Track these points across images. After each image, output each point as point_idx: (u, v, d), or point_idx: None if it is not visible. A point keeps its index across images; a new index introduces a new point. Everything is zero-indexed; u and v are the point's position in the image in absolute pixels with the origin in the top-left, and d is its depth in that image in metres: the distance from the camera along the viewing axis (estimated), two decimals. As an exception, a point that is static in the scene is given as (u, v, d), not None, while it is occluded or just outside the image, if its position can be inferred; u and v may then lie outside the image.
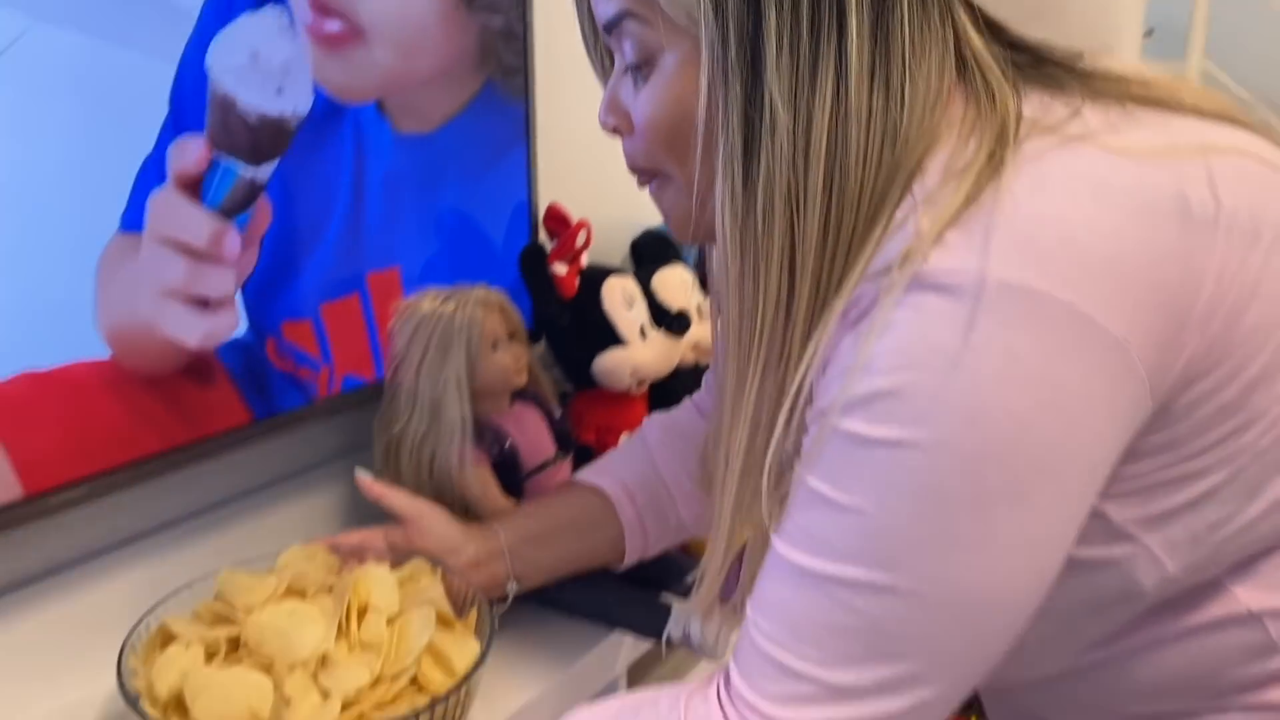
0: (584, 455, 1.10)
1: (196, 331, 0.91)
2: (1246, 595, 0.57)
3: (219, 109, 0.89)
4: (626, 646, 0.97)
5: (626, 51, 0.59)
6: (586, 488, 0.91)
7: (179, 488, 0.95)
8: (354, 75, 1.00)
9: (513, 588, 0.87)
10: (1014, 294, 0.47)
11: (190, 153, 0.87)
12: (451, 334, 0.95)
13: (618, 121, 0.63)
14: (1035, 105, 0.54)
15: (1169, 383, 0.50)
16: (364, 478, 0.90)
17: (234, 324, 0.95)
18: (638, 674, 1.03)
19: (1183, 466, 0.52)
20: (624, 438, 1.11)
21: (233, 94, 0.89)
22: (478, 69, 1.11)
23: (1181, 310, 0.49)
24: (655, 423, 0.94)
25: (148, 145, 0.86)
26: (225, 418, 0.95)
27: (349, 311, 1.06)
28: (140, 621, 0.78)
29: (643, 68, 0.59)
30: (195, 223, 0.89)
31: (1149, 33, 2.85)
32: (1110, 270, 0.47)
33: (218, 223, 0.91)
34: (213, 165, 0.89)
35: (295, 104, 0.95)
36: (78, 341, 0.83)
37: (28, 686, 0.83)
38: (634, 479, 0.90)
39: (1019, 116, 0.53)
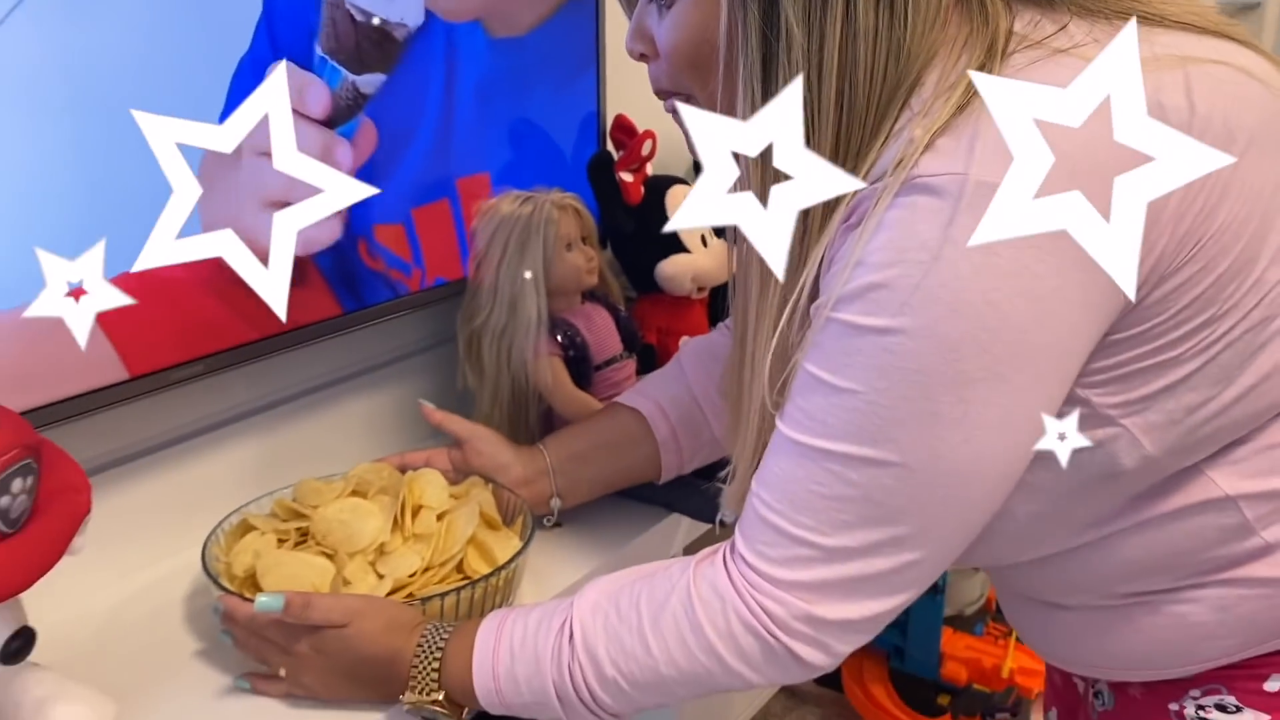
0: (647, 354, 1.18)
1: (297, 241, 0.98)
2: (1223, 480, 0.61)
3: (329, 7, 0.94)
4: (683, 529, 1.05)
5: None
6: (624, 409, 0.95)
7: (277, 370, 1.04)
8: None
9: (556, 504, 0.95)
10: (994, 193, 0.51)
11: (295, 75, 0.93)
12: (529, 234, 1.02)
13: (644, 48, 0.67)
14: (1025, 21, 0.57)
15: (1140, 276, 0.53)
16: (426, 406, 0.98)
17: (335, 233, 1.01)
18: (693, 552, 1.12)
19: (1160, 356, 0.56)
20: (684, 340, 1.19)
21: None
22: None
23: (1154, 208, 0.53)
24: (690, 346, 1.00)
25: (243, 45, 0.89)
26: (317, 310, 1.02)
27: (439, 216, 1.11)
28: (224, 519, 0.87)
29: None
30: (303, 136, 0.95)
31: None
32: (1084, 171, 0.50)
33: (326, 136, 0.96)
34: (319, 66, 0.94)
35: (404, 15, 0.99)
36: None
37: (138, 550, 0.93)
38: (668, 399, 0.95)
39: (1009, 32, 0.56)
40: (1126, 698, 0.73)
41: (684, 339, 1.04)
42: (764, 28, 0.57)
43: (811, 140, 0.57)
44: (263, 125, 0.95)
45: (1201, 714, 0.67)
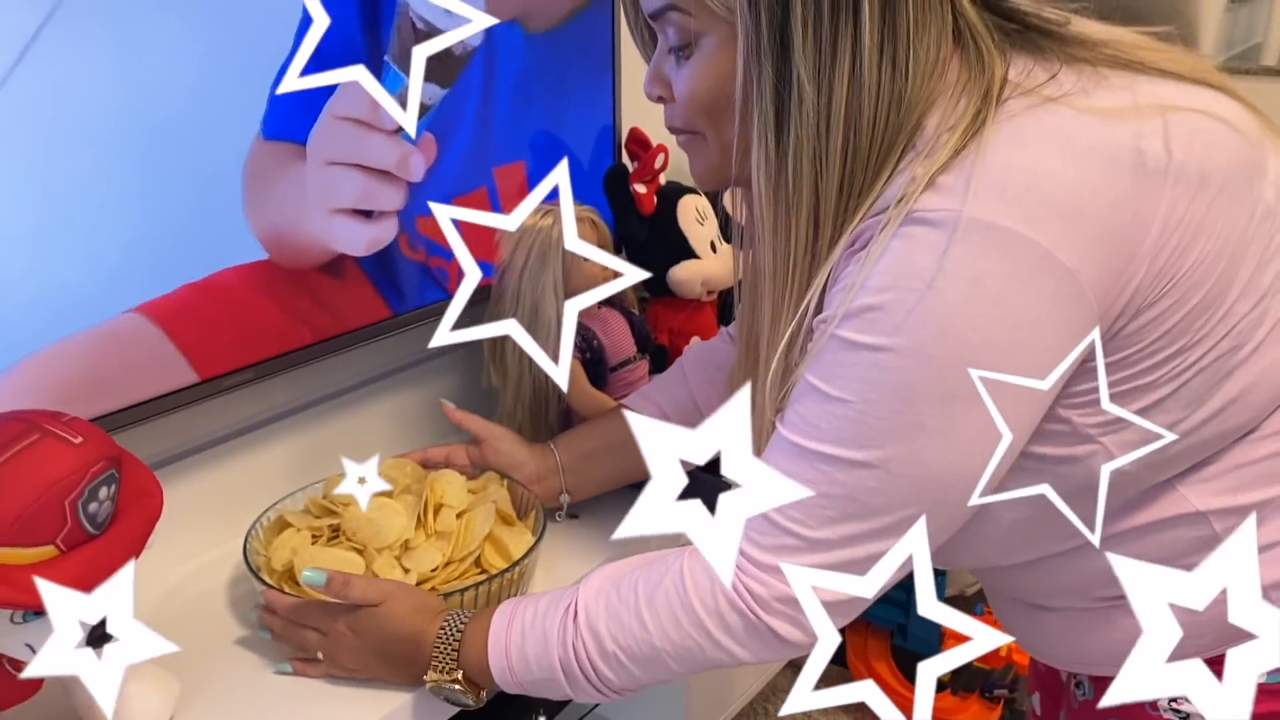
0: (660, 355, 1.25)
1: (362, 241, 1.04)
2: (1194, 497, 0.66)
3: (398, 17, 1.01)
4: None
5: (670, 35, 0.68)
6: (629, 412, 1.03)
7: (318, 371, 1.12)
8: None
9: (565, 499, 1.03)
10: (984, 229, 0.56)
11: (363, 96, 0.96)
12: (549, 245, 1.10)
13: (661, 92, 0.72)
14: (1019, 69, 0.62)
15: (1118, 308, 0.59)
16: (447, 405, 1.05)
17: (394, 230, 1.08)
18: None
19: (1134, 381, 0.62)
20: (689, 345, 1.26)
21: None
22: None
23: (1130, 247, 0.58)
24: (692, 353, 1.05)
25: (282, 51, 0.93)
26: (367, 313, 1.09)
27: (479, 205, 1.17)
28: (262, 515, 0.95)
29: (684, 49, 0.68)
30: (381, 147, 1.01)
31: None
32: (1068, 213, 0.56)
33: (402, 147, 1.02)
34: (384, 68, 1.01)
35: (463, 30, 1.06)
36: (225, 247, 0.94)
37: (186, 540, 1.01)
38: (671, 404, 1.01)
39: (1004, 80, 0.61)
40: (1105, 688, 0.79)
41: (691, 341, 1.11)
42: (777, 83, 0.62)
43: (821, 180, 0.62)
44: (330, 129, 0.98)
45: (1174, 705, 0.72)
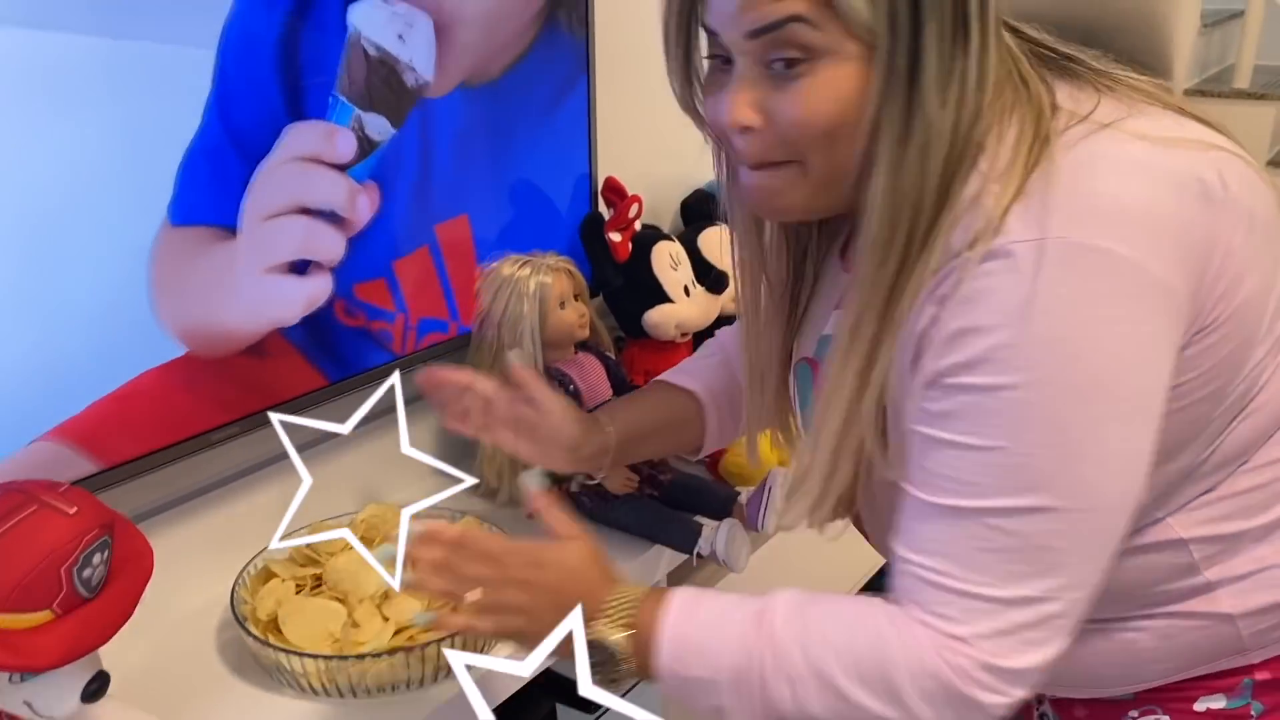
0: (634, 395, 1.30)
1: (299, 300, 1.01)
2: (1178, 525, 0.69)
3: (351, 48, 1.00)
4: (665, 559, 1.17)
5: (777, 53, 0.61)
6: (680, 390, 0.97)
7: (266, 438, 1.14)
8: (444, 73, 1.11)
9: (599, 476, 0.99)
10: (1079, 251, 0.57)
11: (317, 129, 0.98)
12: (526, 294, 1.14)
13: (759, 120, 0.64)
14: (1064, 95, 0.64)
15: (1191, 331, 0.61)
16: (516, 365, 0.94)
17: (329, 287, 1.05)
18: (675, 581, 1.24)
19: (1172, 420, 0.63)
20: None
21: (358, 28, 1.00)
22: (539, 15, 1.19)
23: (1200, 270, 0.60)
24: (729, 333, 1.01)
25: (187, 133, 0.89)
26: (299, 383, 1.06)
27: (421, 263, 1.17)
28: (249, 563, 0.99)
29: (793, 68, 0.62)
30: (330, 183, 1.00)
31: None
32: (1153, 229, 0.58)
33: (349, 184, 1.01)
34: (331, 102, 1.00)
35: (414, 58, 1.04)
36: (138, 349, 0.90)
37: (173, 588, 1.04)
38: (719, 385, 0.97)
39: (1053, 105, 0.62)
40: (1071, 717, 0.83)
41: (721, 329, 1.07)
42: (908, 104, 0.60)
43: (921, 205, 0.62)
44: (273, 178, 0.96)
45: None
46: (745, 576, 1.17)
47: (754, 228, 0.77)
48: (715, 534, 1.11)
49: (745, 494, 1.18)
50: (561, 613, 0.70)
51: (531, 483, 0.85)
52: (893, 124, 0.61)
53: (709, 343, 1.03)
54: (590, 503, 1.16)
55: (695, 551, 1.11)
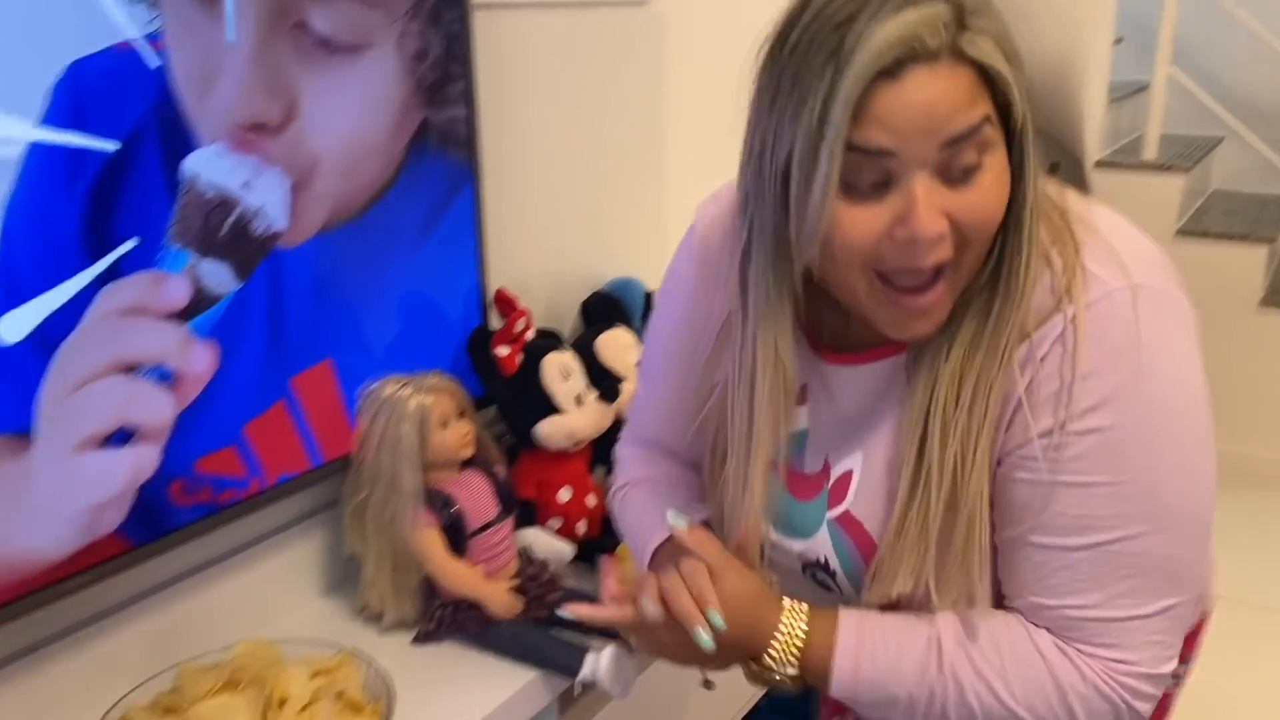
0: (526, 510, 1.28)
1: (119, 474, 0.92)
2: None
3: (187, 193, 0.94)
4: (550, 684, 1.14)
5: (965, 157, 0.63)
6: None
7: (172, 558, 1.12)
8: (300, 222, 1.06)
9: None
10: (1154, 294, 0.67)
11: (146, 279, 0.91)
12: (406, 416, 1.13)
13: (944, 226, 0.64)
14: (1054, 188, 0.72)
15: None
16: (678, 528, 0.82)
17: (156, 458, 0.96)
18: (565, 704, 1.22)
19: None
20: (564, 490, 1.29)
21: (196, 172, 0.95)
22: (407, 146, 1.16)
23: None
24: (671, 472, 0.95)
25: None
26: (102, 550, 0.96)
27: (276, 420, 1.11)
28: (108, 711, 0.95)
29: (974, 169, 0.63)
30: (155, 334, 0.92)
31: (1118, 40, 2.95)
32: (1176, 278, 0.70)
33: (182, 332, 0.94)
34: (162, 249, 0.94)
35: (265, 205, 1.00)
36: None
37: None
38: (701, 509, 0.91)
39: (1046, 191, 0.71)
40: None
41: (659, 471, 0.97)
42: (1025, 174, 0.67)
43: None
44: (81, 341, 0.87)
45: None
46: (631, 702, 1.15)
47: (777, 343, 0.73)
48: (598, 660, 1.09)
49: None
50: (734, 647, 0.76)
51: (678, 521, 0.81)
52: (1033, 213, 0.67)
53: (656, 474, 0.95)
54: (474, 625, 1.14)
55: (579, 680, 1.09)
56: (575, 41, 1.51)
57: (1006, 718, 0.72)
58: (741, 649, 0.77)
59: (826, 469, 0.81)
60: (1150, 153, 2.92)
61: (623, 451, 1.00)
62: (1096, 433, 0.66)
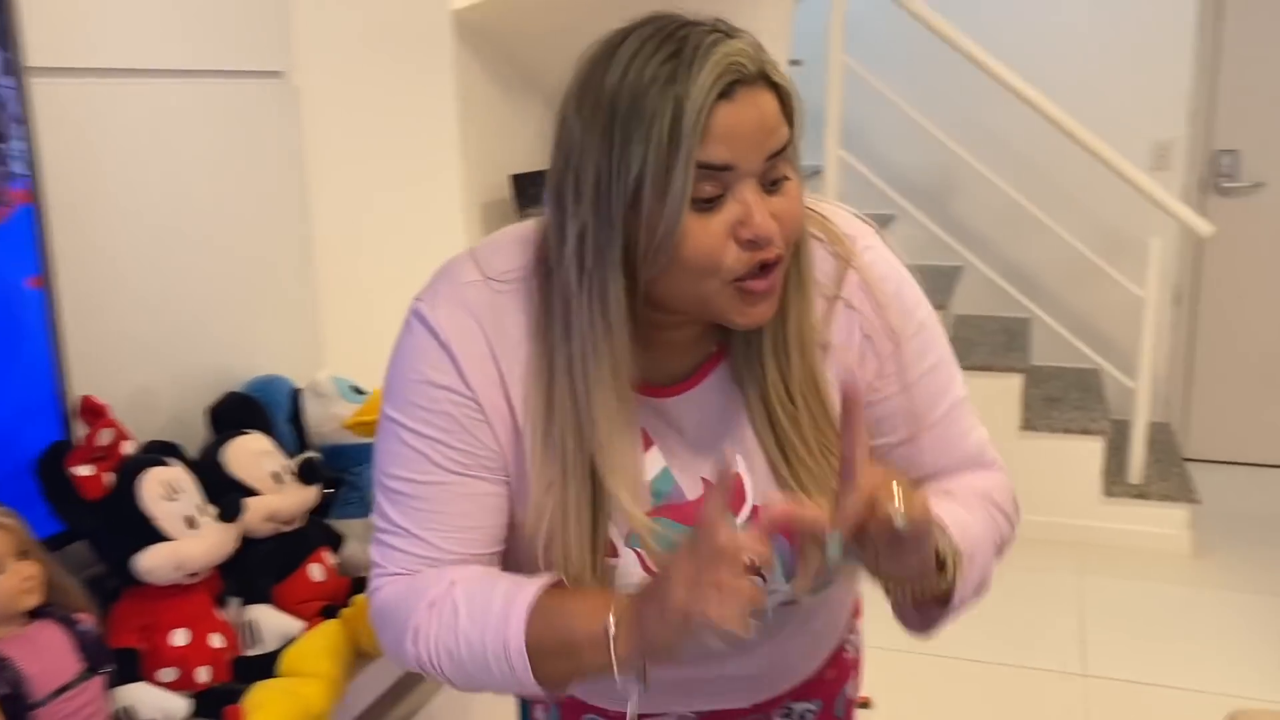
0: (127, 661, 1.06)
1: None
2: None
3: None
4: None
5: (780, 169, 0.73)
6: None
7: None
8: None
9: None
10: (880, 234, 0.86)
11: None
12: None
13: (778, 228, 0.73)
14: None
15: None
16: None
17: None
18: None
19: None
20: (179, 633, 1.08)
21: None
22: None
23: None
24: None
25: None
26: None
27: None
28: None
29: (781, 181, 0.73)
30: None
31: (795, 63, 3.06)
32: None
33: None
34: None
35: None
36: None
37: None
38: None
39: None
40: None
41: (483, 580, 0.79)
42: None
43: None
44: None
45: None
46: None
47: (617, 373, 0.76)
48: None
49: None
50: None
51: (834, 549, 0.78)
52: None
53: (471, 571, 0.80)
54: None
55: None
56: (191, 113, 1.35)
57: (1009, 526, 0.88)
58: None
59: (710, 487, 0.81)
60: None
61: (398, 586, 0.80)
62: (922, 327, 0.84)
